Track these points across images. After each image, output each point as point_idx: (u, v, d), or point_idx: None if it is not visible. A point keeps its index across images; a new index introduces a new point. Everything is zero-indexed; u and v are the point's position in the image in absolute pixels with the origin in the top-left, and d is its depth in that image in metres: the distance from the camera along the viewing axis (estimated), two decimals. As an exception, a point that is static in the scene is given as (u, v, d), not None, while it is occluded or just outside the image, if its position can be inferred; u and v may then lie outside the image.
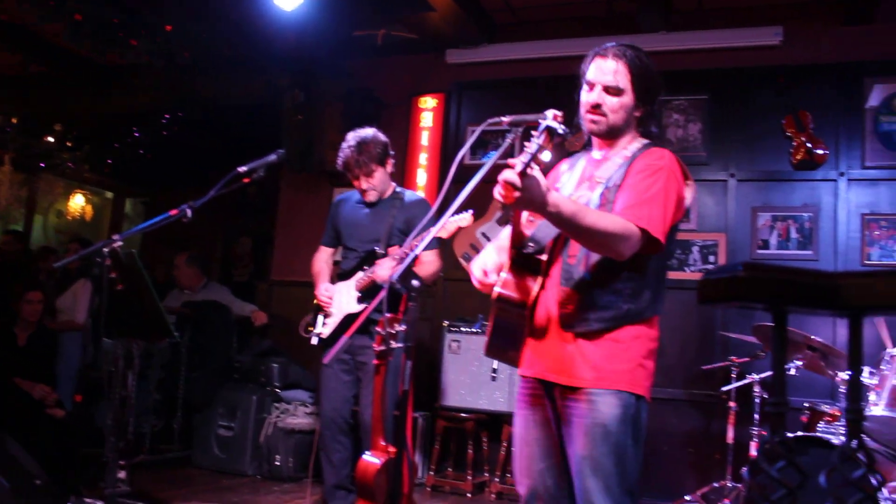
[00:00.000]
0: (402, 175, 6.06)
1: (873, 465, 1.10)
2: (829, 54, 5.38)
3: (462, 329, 5.39)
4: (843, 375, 4.10)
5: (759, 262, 1.50)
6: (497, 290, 2.31)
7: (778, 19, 5.42)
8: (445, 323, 5.47)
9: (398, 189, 4.15)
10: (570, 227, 2.09)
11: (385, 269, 3.83)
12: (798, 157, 5.29)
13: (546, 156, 1.95)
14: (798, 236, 5.30)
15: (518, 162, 1.91)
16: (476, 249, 5.78)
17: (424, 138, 6.08)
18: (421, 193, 4.35)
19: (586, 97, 2.34)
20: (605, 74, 2.30)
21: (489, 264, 2.38)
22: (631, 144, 2.37)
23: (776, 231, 5.34)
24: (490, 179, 2.05)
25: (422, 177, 6.03)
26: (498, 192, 1.94)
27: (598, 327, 2.22)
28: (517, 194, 1.91)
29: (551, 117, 2.03)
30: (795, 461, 1.14)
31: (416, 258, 2.41)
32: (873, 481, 1.13)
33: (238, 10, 5.55)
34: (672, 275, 5.35)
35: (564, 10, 5.84)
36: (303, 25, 5.54)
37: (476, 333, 5.32)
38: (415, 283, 2.43)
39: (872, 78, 5.32)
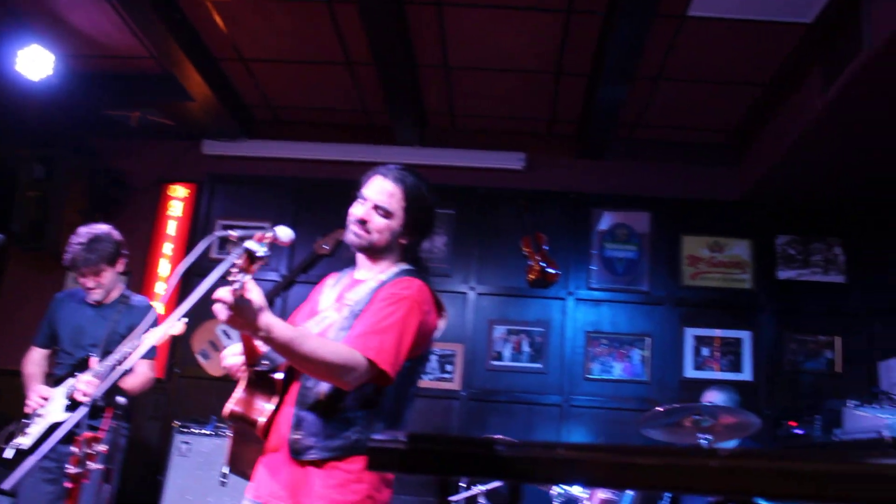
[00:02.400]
0: (144, 264, 6.11)
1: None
2: (564, 183, 6.18)
3: (193, 430, 5.36)
4: (555, 490, 4.44)
5: (422, 433, 1.77)
6: (229, 407, 2.33)
7: (522, 146, 6.17)
8: (176, 423, 5.46)
9: (126, 292, 4.14)
10: (286, 354, 2.11)
11: (83, 384, 3.70)
12: (532, 275, 5.95)
13: (245, 278, 1.97)
14: (530, 350, 5.90)
15: (226, 288, 1.96)
16: (215, 346, 5.90)
17: (172, 228, 6.18)
18: (147, 299, 4.38)
19: (356, 210, 2.41)
20: (379, 193, 2.39)
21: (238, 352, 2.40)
22: (389, 269, 2.44)
23: (510, 344, 5.91)
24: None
25: (165, 267, 6.10)
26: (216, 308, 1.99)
27: (325, 456, 2.23)
28: (228, 315, 1.97)
29: (255, 239, 2.03)
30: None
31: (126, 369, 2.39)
32: None
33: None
34: (412, 382, 5.75)
35: (325, 115, 6.27)
36: (50, 97, 5.57)
37: (208, 435, 5.33)
38: (120, 399, 2.45)
39: (600, 208, 6.17)
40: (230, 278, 1.95)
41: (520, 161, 6.09)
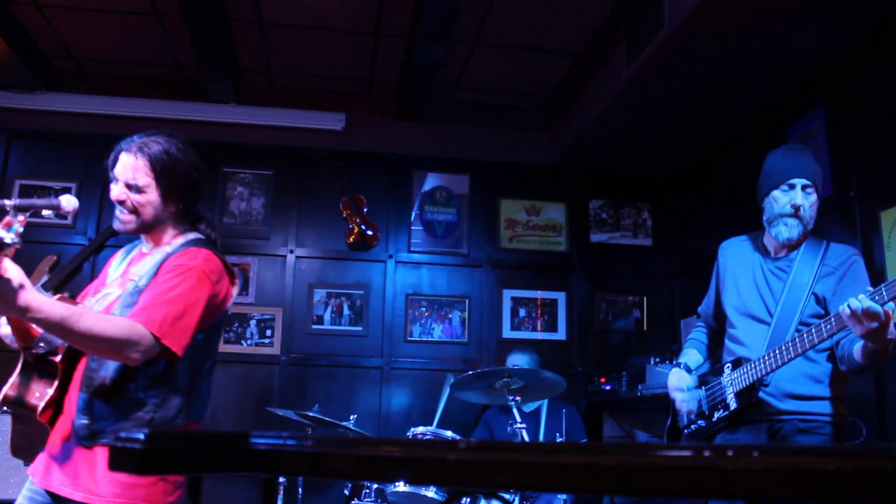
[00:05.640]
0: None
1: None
2: (384, 145, 6.19)
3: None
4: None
5: (164, 430, 1.68)
6: (4, 391, 2.22)
7: (341, 107, 6.10)
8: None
9: None
10: (61, 333, 2.04)
11: None
12: (352, 238, 5.93)
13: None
14: (350, 313, 5.90)
15: None
16: None
17: (-41, 186, 5.74)
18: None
19: (112, 192, 2.35)
20: (125, 170, 2.32)
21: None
22: (175, 241, 2.40)
23: (330, 307, 5.90)
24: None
25: (-47, 229, 5.66)
26: None
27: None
28: None
29: (3, 226, 1.89)
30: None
31: None
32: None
33: None
34: (229, 348, 5.64)
35: (133, 69, 5.95)
36: None
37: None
38: None
39: (423, 172, 6.21)
40: None
41: (339, 122, 6.02)
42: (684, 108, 5.18)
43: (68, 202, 2.30)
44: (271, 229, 5.98)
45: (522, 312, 6.10)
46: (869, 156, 4.14)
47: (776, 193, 2.83)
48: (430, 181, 6.22)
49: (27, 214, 2.06)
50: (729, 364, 2.86)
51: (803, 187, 2.80)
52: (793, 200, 2.78)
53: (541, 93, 6.18)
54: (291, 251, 5.95)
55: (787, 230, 2.80)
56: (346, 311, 5.90)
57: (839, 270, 2.74)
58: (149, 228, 2.39)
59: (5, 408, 2.28)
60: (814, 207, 2.83)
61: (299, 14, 5.17)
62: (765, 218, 2.89)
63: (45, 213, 2.29)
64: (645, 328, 6.24)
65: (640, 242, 6.40)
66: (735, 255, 3.05)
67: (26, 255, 5.19)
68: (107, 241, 5.79)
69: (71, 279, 5.68)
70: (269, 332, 5.81)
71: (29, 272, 5.75)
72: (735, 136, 5.46)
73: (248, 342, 5.75)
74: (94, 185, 5.87)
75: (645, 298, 6.28)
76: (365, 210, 6.01)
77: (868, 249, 4.06)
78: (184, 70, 5.93)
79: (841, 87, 4.41)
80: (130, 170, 2.32)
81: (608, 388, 5.61)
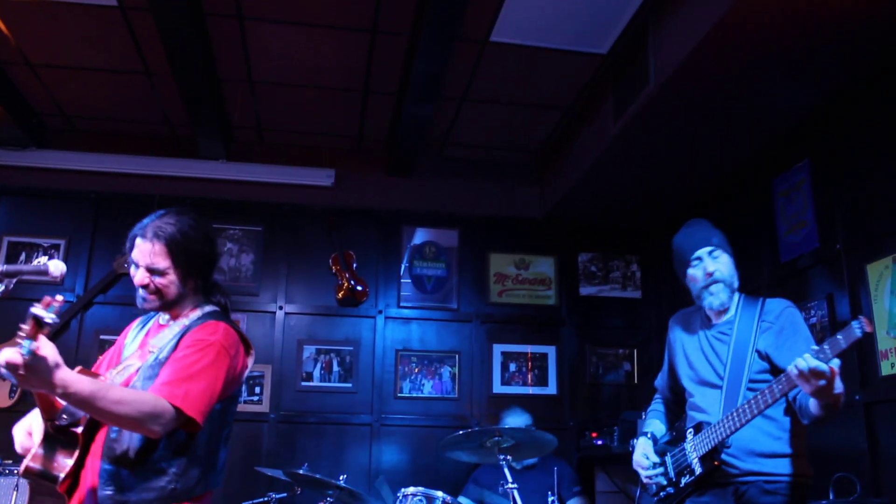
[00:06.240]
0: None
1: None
2: (374, 200, 6.22)
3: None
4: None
5: None
6: (26, 463, 2.23)
7: (331, 163, 6.15)
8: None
9: None
10: (88, 408, 2.07)
11: None
12: (341, 294, 5.92)
13: (31, 345, 1.87)
14: (340, 369, 5.86)
15: (13, 350, 1.87)
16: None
17: (-53, 244, 5.70)
18: None
19: (135, 278, 2.42)
20: (144, 256, 2.40)
21: (36, 428, 2.30)
22: (193, 313, 2.47)
23: (320, 363, 5.85)
24: None
25: (-61, 287, 5.61)
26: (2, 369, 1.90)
27: None
28: (20, 378, 1.89)
29: (43, 305, 1.88)
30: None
31: None
32: None
33: None
34: (217, 405, 5.57)
35: (123, 126, 5.98)
36: None
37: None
38: None
39: (412, 227, 6.24)
40: (18, 341, 1.86)
41: (329, 177, 6.06)
42: (671, 163, 5.23)
43: (56, 267, 2.29)
44: (260, 285, 5.96)
45: (513, 367, 6.07)
46: (855, 208, 4.18)
47: (690, 272, 3.01)
48: (420, 236, 6.24)
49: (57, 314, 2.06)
50: (691, 430, 2.93)
51: (709, 253, 2.97)
52: (706, 269, 2.95)
53: (529, 148, 6.24)
54: (280, 307, 5.93)
55: (715, 297, 2.96)
56: (335, 368, 5.86)
57: (777, 324, 2.85)
58: (171, 306, 2.47)
59: (26, 479, 2.28)
60: (728, 265, 2.99)
61: (289, 72, 5.23)
62: (693, 295, 3.04)
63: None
64: (636, 381, 6.22)
65: (629, 295, 6.41)
66: (683, 328, 3.20)
67: (12, 312, 5.13)
68: (94, 297, 5.80)
69: (58, 337, 5.65)
70: (257, 390, 5.75)
71: (15, 330, 5.67)
72: (722, 189, 5.50)
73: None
74: (83, 243, 5.87)
75: (635, 351, 6.28)
76: (354, 266, 6.01)
77: (855, 302, 4.07)
78: (174, 127, 5.96)
79: (825, 140, 4.46)
80: (149, 255, 2.40)
81: (600, 443, 5.56)
